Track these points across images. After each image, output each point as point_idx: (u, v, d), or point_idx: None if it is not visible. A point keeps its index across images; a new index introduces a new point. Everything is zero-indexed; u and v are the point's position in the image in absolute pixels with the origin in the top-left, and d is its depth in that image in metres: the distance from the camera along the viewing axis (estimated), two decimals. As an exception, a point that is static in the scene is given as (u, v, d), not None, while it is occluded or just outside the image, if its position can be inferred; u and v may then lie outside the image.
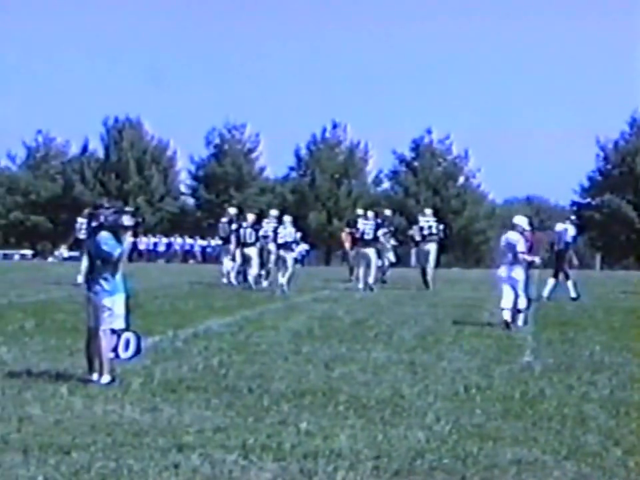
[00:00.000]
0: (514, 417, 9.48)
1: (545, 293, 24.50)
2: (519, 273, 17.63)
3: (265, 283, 28.87)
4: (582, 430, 8.89)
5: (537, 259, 18.31)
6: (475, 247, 69.69)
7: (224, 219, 31.10)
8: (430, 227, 29.98)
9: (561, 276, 25.28)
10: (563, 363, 13.17)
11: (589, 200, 70.09)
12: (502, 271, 17.82)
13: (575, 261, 25.84)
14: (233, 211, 31.59)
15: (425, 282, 29.04)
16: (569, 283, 25.13)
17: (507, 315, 17.48)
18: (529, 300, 18.05)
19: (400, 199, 69.75)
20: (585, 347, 14.92)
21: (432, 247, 29.60)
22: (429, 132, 72.77)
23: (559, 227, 26.43)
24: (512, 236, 17.77)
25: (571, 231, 26.16)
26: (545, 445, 8.30)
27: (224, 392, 10.43)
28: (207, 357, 13.08)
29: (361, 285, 28.32)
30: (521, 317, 17.69)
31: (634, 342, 15.48)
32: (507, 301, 17.56)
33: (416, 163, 72.25)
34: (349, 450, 7.92)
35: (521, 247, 17.57)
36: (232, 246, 29.61)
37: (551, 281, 25.09)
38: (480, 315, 20.19)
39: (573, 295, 24.84)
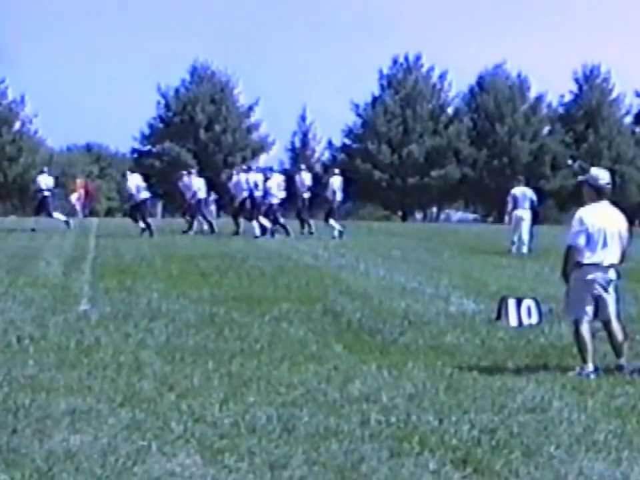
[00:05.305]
0: (69, 366, 9.34)
1: None
2: None
3: None
4: (137, 377, 8.93)
5: None
6: (32, 195, 68.06)
7: None
8: None
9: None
10: (121, 311, 13.17)
11: (149, 147, 70.67)
12: None
13: None
14: None
15: None
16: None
17: None
18: None
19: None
20: (142, 294, 15.01)
21: None
22: (-16, 77, 69.86)
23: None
24: None
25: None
26: (100, 393, 8.25)
27: None
28: None
29: None
30: None
31: (190, 289, 15.81)
32: None
33: (-32, 108, 69.22)
34: None
35: None
36: None
37: None
38: (36, 265, 19.76)
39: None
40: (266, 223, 30.00)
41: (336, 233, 30.32)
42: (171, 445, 6.76)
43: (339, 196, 31.65)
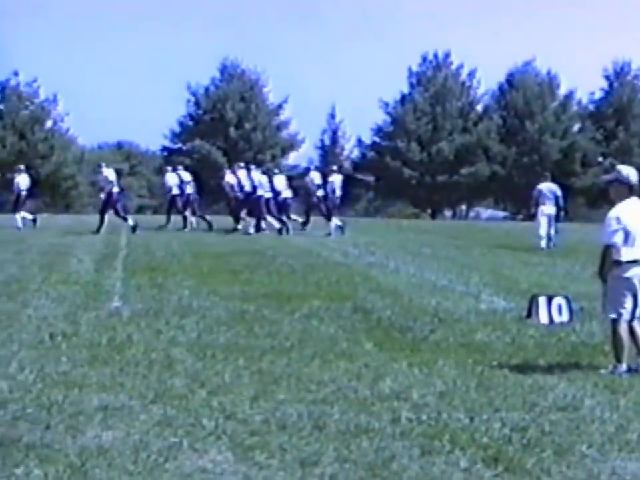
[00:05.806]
0: (101, 363, 9.39)
1: None
2: None
3: None
4: (169, 373, 8.97)
5: None
6: (64, 193, 68.43)
7: None
8: None
9: None
10: (152, 307, 13.24)
11: (179, 145, 70.89)
12: None
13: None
14: None
15: None
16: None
17: None
18: None
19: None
20: (173, 291, 15.08)
21: None
22: (16, 74, 70.31)
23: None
24: None
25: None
26: (132, 390, 8.29)
27: None
28: None
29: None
30: None
31: (221, 286, 15.85)
32: None
33: (1, 107, 69.72)
34: None
35: None
36: None
37: None
38: (68, 262, 19.87)
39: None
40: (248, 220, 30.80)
41: (332, 229, 30.34)
42: (202, 442, 6.79)
43: (338, 193, 31.61)
